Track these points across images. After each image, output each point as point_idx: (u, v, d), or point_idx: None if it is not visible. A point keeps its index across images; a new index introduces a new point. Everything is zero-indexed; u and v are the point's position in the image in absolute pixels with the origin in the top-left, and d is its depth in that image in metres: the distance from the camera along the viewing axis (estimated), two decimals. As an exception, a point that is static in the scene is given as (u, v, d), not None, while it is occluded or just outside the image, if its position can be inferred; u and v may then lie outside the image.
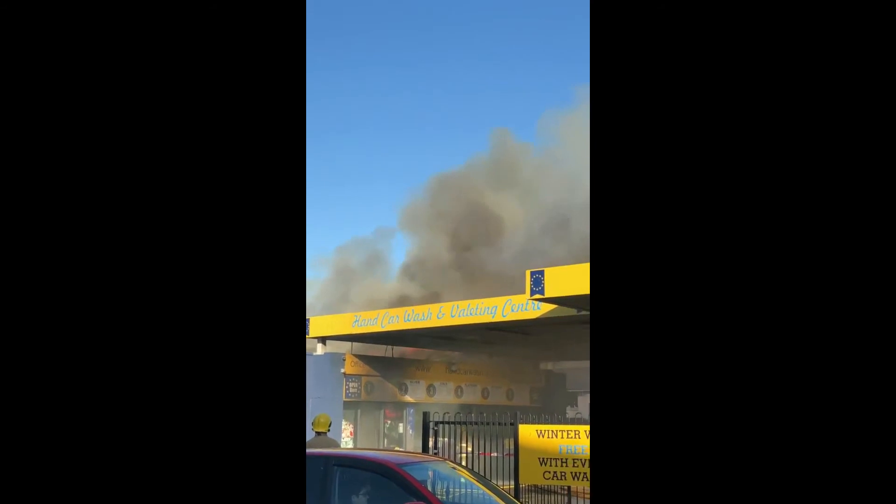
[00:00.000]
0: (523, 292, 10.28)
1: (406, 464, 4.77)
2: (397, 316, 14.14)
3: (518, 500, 6.01)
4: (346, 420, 15.53)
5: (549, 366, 21.47)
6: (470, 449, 8.10)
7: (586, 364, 23.94)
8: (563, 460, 7.22)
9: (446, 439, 8.53)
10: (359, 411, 16.13)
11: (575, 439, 7.32)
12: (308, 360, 13.00)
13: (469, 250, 22.79)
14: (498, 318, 12.08)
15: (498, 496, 4.89)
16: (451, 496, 4.97)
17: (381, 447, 15.42)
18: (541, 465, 7.35)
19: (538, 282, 10.02)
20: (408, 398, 17.03)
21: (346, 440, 15.24)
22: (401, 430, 17.59)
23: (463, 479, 5.11)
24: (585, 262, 10.15)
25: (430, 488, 4.65)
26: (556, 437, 7.41)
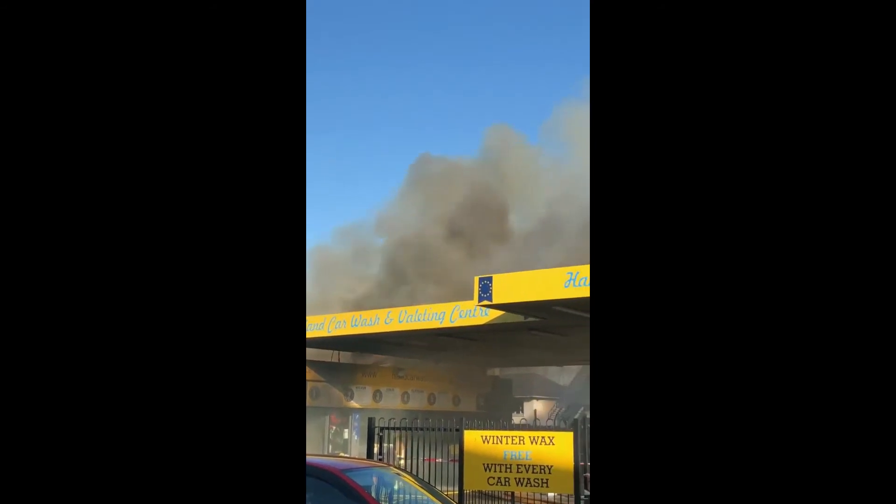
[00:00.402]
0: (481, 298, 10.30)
1: (349, 469, 4.69)
2: (344, 321, 13.99)
3: (461, 506, 5.99)
4: (290, 426, 15.21)
5: (497, 372, 21.64)
6: (415, 454, 8.03)
7: (532, 370, 23.89)
8: (508, 466, 7.27)
9: (391, 445, 8.45)
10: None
11: (519, 445, 7.37)
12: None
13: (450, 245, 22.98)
14: (446, 324, 12.14)
15: (441, 502, 4.86)
16: (394, 502, 4.91)
17: (326, 453, 15.14)
18: (485, 470, 7.38)
19: (486, 288, 10.12)
20: (353, 404, 16.88)
21: (290, 446, 14.92)
22: (346, 435, 17.40)
23: (407, 485, 5.06)
24: (572, 262, 10.26)
25: (373, 494, 4.58)
26: (501, 442, 7.45)
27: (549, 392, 24.93)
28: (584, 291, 9.02)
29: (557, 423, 9.61)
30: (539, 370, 23.64)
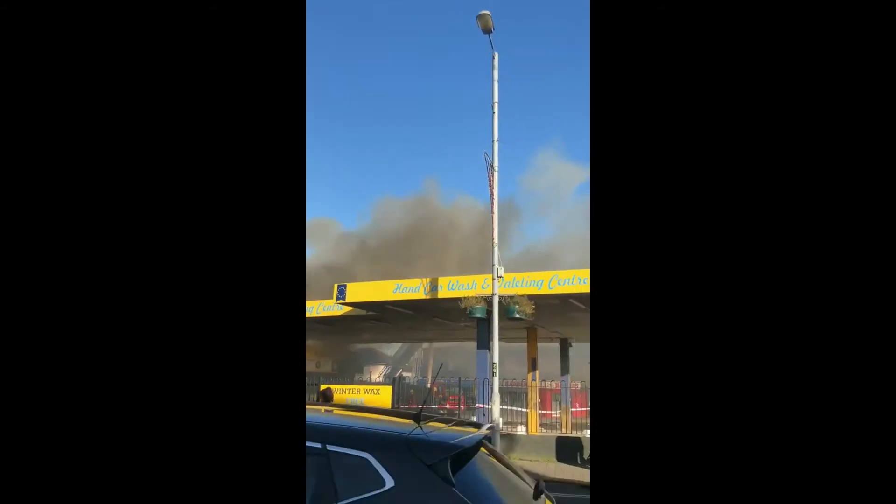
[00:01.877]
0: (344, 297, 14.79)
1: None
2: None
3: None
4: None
5: (349, 347, 27.82)
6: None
7: (372, 346, 32.37)
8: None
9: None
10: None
11: (356, 394, 12.26)
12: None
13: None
14: (313, 315, 16.41)
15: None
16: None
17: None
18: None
19: (342, 292, 14.52)
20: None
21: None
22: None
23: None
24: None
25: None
26: (346, 393, 12.21)
27: (380, 360, 35.62)
28: (407, 295, 13.74)
29: (384, 380, 14.83)
30: (376, 346, 32.83)
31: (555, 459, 9.88)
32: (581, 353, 21.58)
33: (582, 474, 8.81)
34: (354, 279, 16.18)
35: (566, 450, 10.25)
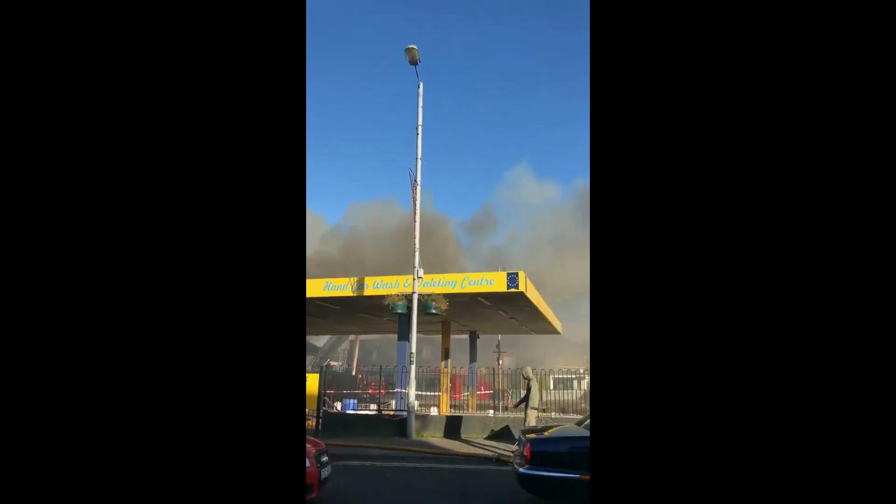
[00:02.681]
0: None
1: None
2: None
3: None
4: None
5: None
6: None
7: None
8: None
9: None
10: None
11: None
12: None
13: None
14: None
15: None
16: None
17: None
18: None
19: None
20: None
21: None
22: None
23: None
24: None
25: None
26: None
27: (310, 351, 37.17)
28: (336, 292, 14.83)
29: (312, 369, 15.96)
30: (308, 337, 33.58)
31: (454, 434, 11.41)
32: (486, 343, 23.60)
33: (463, 447, 10.24)
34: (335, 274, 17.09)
35: (453, 427, 11.74)
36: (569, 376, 18.30)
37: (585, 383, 18.28)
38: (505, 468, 7.91)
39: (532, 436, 5.28)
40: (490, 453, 9.07)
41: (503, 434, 10.96)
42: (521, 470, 5.00)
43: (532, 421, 8.97)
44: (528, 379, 9.50)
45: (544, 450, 4.98)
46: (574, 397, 15.98)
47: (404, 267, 12.08)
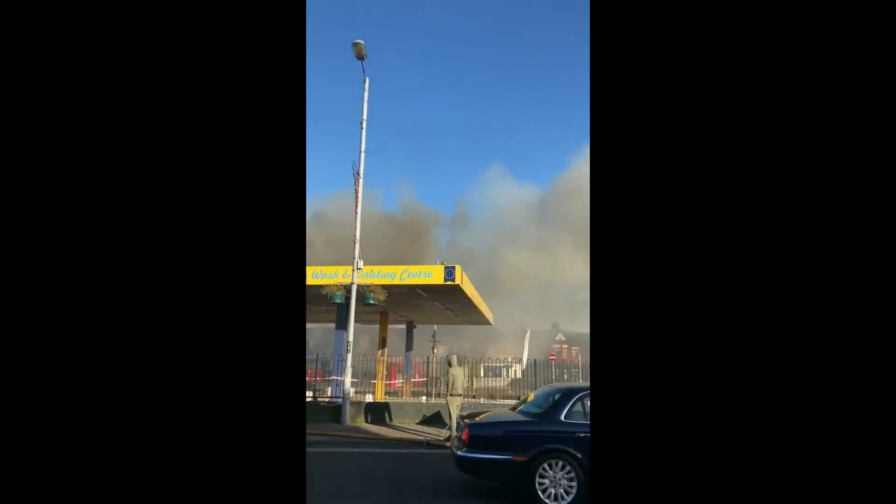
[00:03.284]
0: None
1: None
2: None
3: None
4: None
5: None
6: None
7: None
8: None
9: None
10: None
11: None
12: None
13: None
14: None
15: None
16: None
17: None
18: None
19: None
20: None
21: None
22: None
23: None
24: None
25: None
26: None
27: None
28: None
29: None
30: None
31: (388, 419, 11.74)
32: (422, 333, 24.01)
33: (396, 432, 10.46)
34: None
35: (386, 412, 12.10)
36: (498, 364, 19.03)
37: (513, 371, 19.07)
38: (434, 451, 8.31)
39: (468, 420, 5.63)
40: (421, 437, 9.43)
41: (434, 419, 11.40)
42: (459, 453, 5.35)
43: (453, 408, 9.07)
44: (450, 366, 9.66)
45: (481, 434, 5.34)
46: (503, 384, 16.69)
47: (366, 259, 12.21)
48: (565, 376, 18.32)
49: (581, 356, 35.92)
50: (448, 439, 9.08)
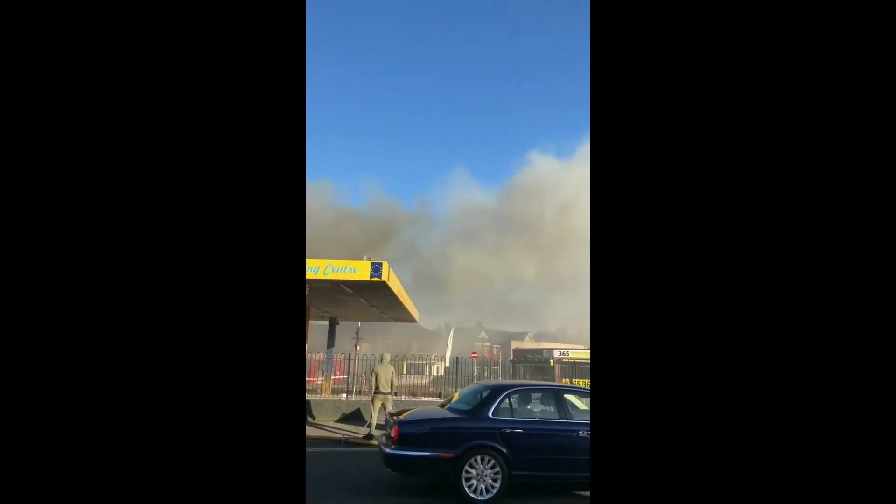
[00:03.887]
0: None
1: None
2: None
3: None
4: None
5: None
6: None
7: None
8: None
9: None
10: None
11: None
12: None
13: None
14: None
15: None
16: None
17: None
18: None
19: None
20: None
21: None
22: None
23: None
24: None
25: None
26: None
27: None
28: None
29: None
30: None
31: (308, 417, 11.42)
32: (346, 329, 23.56)
33: (314, 430, 10.48)
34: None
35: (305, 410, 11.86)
36: (421, 362, 18.95)
37: (435, 368, 19.06)
38: (352, 450, 8.07)
39: (396, 417, 5.54)
40: (339, 435, 9.16)
41: (354, 417, 11.10)
42: (387, 451, 5.23)
43: (375, 406, 9.07)
44: (379, 363, 9.60)
45: (410, 431, 5.25)
46: (425, 381, 16.61)
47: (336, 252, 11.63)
48: (486, 373, 18.55)
49: (501, 354, 36.68)
50: (367, 437, 8.92)
